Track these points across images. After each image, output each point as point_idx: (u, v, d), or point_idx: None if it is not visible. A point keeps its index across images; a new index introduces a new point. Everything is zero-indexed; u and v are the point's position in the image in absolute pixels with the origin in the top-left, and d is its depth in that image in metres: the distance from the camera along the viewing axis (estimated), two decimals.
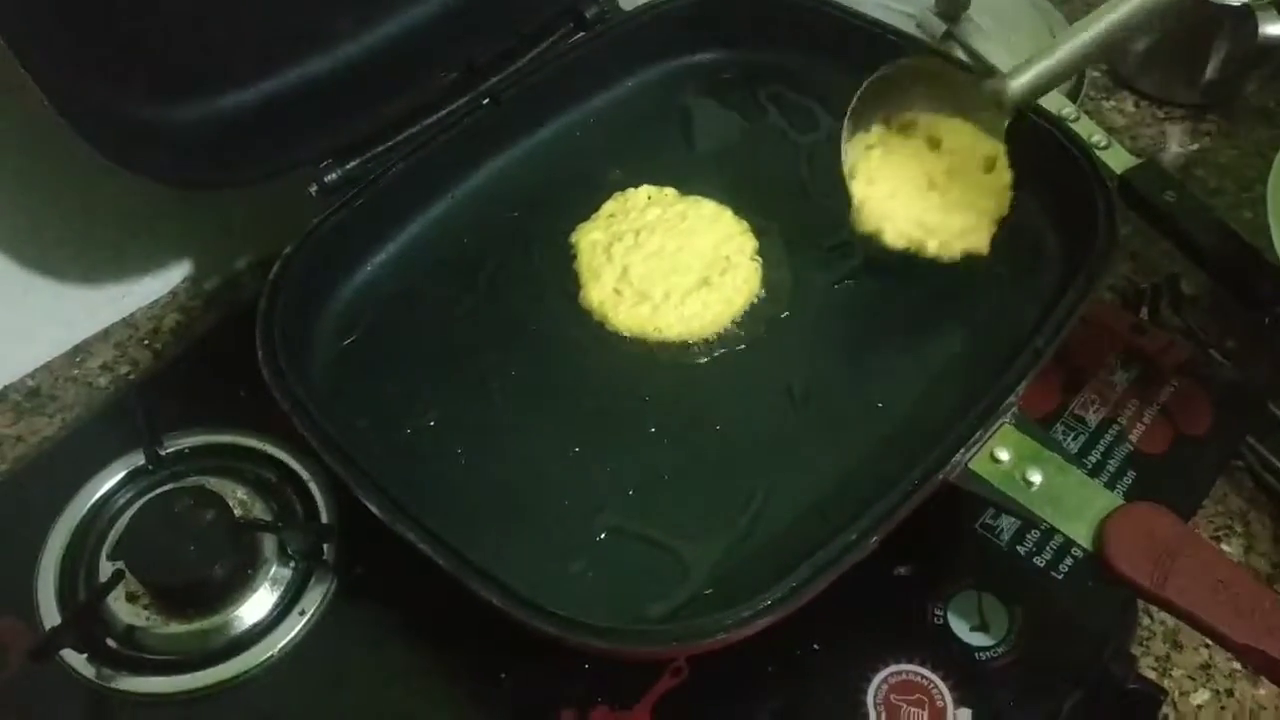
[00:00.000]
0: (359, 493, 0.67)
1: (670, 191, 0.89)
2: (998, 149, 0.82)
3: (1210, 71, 1.18)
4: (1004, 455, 0.68)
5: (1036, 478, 0.67)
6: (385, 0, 0.85)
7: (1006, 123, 0.81)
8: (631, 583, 0.69)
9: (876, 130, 0.83)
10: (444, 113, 0.87)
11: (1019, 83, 0.80)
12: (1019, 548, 0.77)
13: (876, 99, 0.81)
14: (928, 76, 0.83)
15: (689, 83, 0.98)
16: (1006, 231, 0.85)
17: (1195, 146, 1.22)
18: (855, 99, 0.80)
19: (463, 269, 0.86)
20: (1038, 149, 0.85)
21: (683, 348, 0.81)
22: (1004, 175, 0.83)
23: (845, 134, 0.80)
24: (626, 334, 0.81)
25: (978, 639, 0.73)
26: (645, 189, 0.90)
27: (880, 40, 0.92)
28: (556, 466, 0.72)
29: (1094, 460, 0.82)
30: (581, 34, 0.93)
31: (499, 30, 0.90)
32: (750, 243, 0.86)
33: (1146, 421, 0.85)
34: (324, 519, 0.79)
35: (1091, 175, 0.80)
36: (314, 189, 0.81)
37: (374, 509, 0.66)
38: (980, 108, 0.82)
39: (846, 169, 0.80)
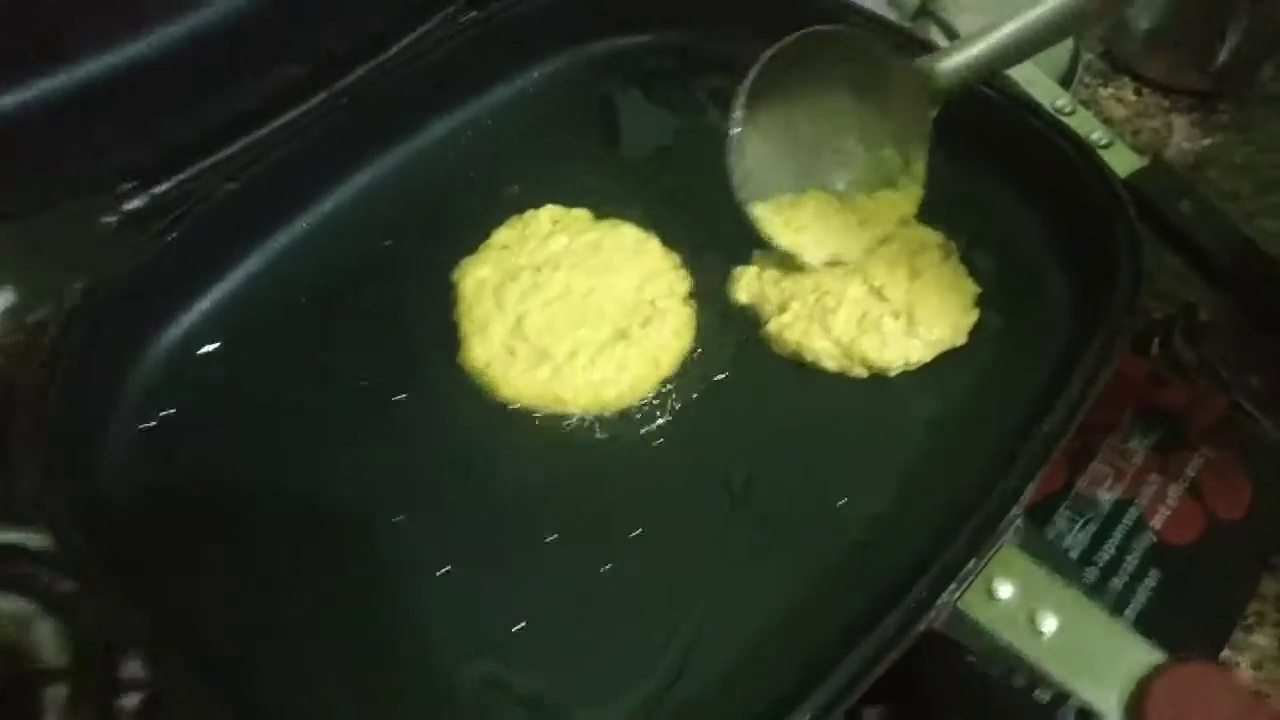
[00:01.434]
0: (141, 657, 0.49)
1: (581, 214, 0.71)
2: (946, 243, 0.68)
3: (1223, 55, 1.01)
4: (1005, 591, 0.52)
5: (1050, 623, 0.51)
6: None
7: (933, 115, 0.65)
8: None
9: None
10: (291, 115, 0.69)
11: (951, 65, 0.63)
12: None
13: (782, 82, 0.64)
14: (845, 56, 0.65)
15: (609, 74, 0.80)
16: (1001, 265, 0.68)
17: (1206, 141, 1.05)
18: (753, 73, 0.63)
19: (313, 321, 0.68)
20: (1043, 162, 0.68)
21: (592, 424, 0.63)
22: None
23: (736, 124, 0.63)
24: (520, 405, 0.64)
25: None
26: (549, 210, 0.72)
27: (844, 21, 0.73)
28: (421, 592, 0.57)
29: (1108, 556, 0.66)
30: (474, 13, 0.74)
31: (364, 9, 0.70)
32: (682, 282, 0.68)
33: (1172, 503, 0.68)
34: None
35: (1110, 201, 0.63)
36: (112, 219, 0.62)
37: (159, 678, 0.48)
38: (904, 95, 0.65)
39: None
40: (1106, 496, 0.68)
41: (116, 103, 0.62)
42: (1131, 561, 0.66)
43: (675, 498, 0.61)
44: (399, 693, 0.54)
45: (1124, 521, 0.68)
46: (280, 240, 0.70)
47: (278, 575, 0.58)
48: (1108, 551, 0.66)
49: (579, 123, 0.78)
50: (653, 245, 0.69)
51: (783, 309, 0.65)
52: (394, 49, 0.72)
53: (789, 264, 0.67)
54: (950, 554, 0.51)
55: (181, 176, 0.65)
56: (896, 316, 0.64)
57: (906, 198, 0.66)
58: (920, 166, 0.66)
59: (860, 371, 0.64)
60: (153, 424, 0.63)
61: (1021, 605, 0.51)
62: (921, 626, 0.50)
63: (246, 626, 0.55)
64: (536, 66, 0.79)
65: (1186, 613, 0.64)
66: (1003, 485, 0.53)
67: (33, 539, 0.65)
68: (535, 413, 0.64)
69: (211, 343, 0.66)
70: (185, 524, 0.60)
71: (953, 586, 0.51)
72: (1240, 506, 0.68)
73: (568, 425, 0.63)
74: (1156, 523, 0.68)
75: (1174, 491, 0.69)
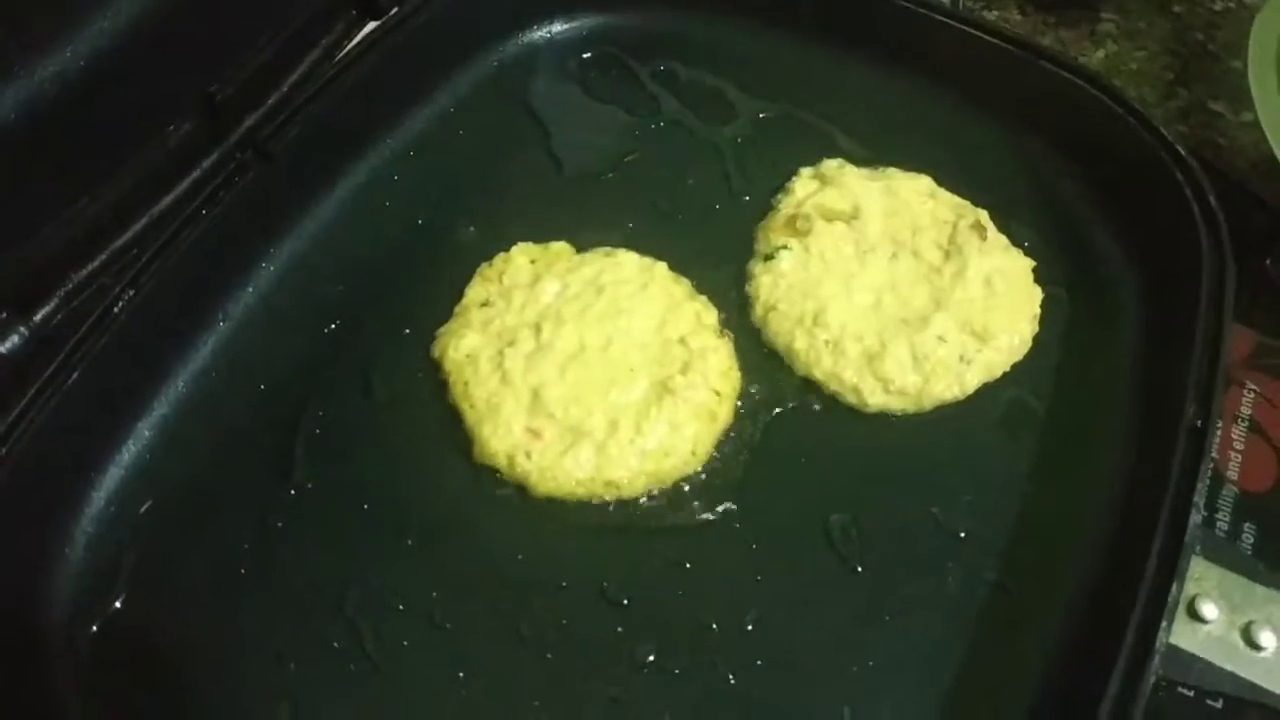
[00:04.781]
0: None
1: (561, 248, 0.60)
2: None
3: None
4: (1210, 610, 0.45)
5: (1269, 638, 0.44)
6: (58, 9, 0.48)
7: None
8: None
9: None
10: (184, 186, 0.53)
11: None
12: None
13: None
14: None
15: (538, 72, 0.68)
16: (1040, 230, 0.61)
17: (1101, 54, 1.02)
18: None
19: (267, 441, 0.54)
20: (1077, 116, 0.61)
21: (653, 503, 0.52)
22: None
23: None
24: (564, 498, 0.52)
25: None
26: (522, 250, 0.59)
27: None
28: None
29: (1199, 518, 0.60)
30: (373, 24, 0.60)
31: (242, 34, 0.56)
32: (709, 311, 0.57)
33: (1239, 445, 0.63)
34: None
35: (1167, 154, 0.57)
36: None
37: None
38: None
39: None
40: None
41: None
42: (1224, 520, 0.61)
43: (781, 569, 0.51)
44: None
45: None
46: (203, 350, 0.55)
47: None
48: (1197, 513, 0.61)
49: (518, 138, 0.65)
50: (660, 272, 0.59)
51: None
52: (286, 85, 0.57)
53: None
54: (1149, 581, 0.44)
55: (64, 291, 0.49)
56: (951, 340, 0.56)
57: None
58: None
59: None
60: (99, 625, 0.48)
61: (1232, 623, 0.45)
62: (1150, 680, 0.42)
63: None
64: (451, 79, 0.66)
65: None
66: (1175, 489, 0.46)
67: None
68: (585, 506, 0.52)
69: (147, 500, 0.51)
70: None
71: (1164, 623, 0.43)
72: None
73: (628, 513, 0.52)
74: (1233, 472, 0.63)
75: (1238, 433, 0.65)
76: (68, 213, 0.50)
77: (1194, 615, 0.45)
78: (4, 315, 0.48)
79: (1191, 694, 0.47)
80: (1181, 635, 0.45)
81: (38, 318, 0.48)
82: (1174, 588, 0.44)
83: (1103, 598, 0.46)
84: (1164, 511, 0.46)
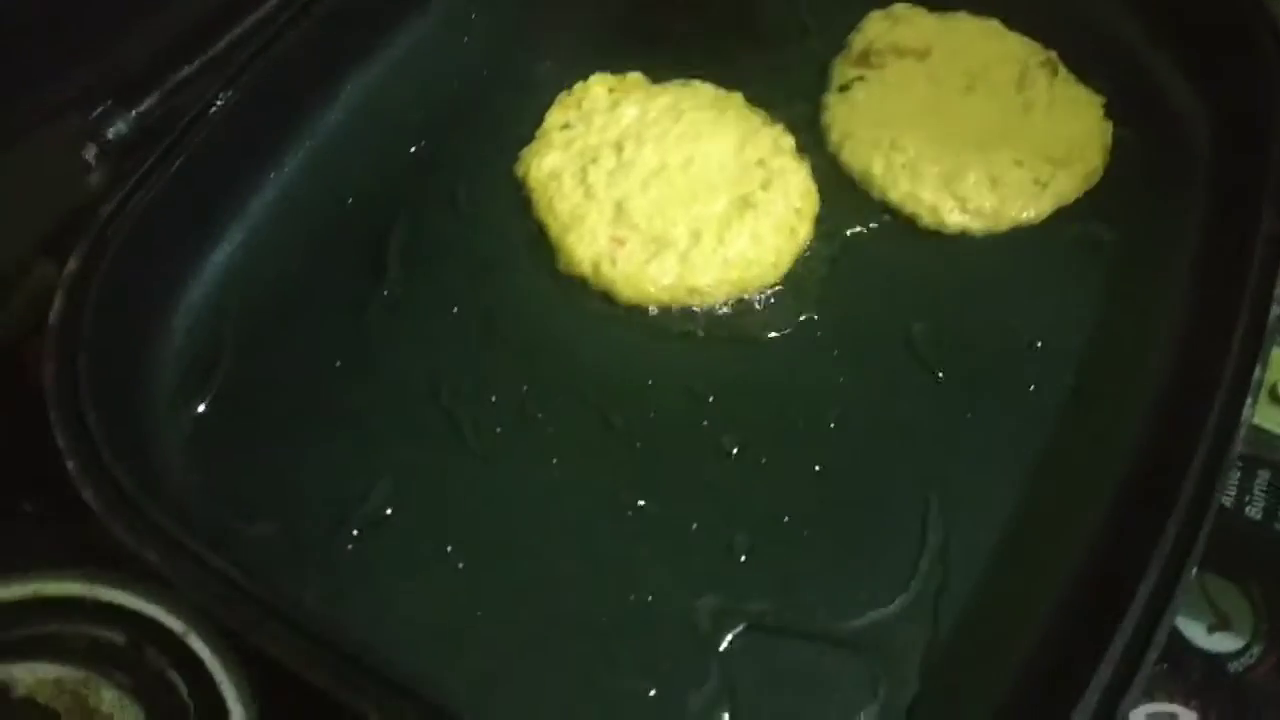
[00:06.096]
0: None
1: (636, 78, 0.61)
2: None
3: None
4: None
5: None
6: None
7: None
8: None
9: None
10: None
11: None
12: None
13: None
14: None
15: None
16: (1110, 70, 0.62)
17: None
18: None
19: (357, 247, 0.55)
20: None
21: (741, 311, 0.53)
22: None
23: None
24: (650, 306, 0.53)
25: (1220, 643, 0.52)
26: (600, 79, 0.60)
27: None
28: (624, 534, 0.46)
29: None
30: None
31: None
32: (786, 137, 0.58)
33: None
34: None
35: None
36: (91, 153, 0.47)
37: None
38: None
39: None
40: None
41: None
42: None
43: (863, 372, 0.52)
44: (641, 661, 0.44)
45: None
46: (295, 159, 0.57)
47: (415, 554, 0.47)
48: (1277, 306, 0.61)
49: None
50: (736, 101, 0.59)
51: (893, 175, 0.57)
52: None
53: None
54: (1233, 365, 0.45)
55: (166, 88, 0.50)
56: (1025, 164, 0.57)
57: None
58: None
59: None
60: (205, 406, 0.49)
61: None
62: (1235, 452, 0.43)
63: (389, 618, 0.44)
64: None
65: None
66: (1255, 280, 0.47)
67: (81, 588, 0.49)
68: (668, 311, 0.53)
69: (242, 294, 0.53)
70: (283, 520, 0.47)
71: (1249, 400, 0.44)
72: None
73: (714, 320, 0.53)
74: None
75: None
76: (168, 13, 0.51)
77: (1276, 399, 0.46)
78: (109, 103, 0.49)
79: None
80: (1265, 416, 0.46)
81: (141, 108, 0.49)
82: (1257, 369, 0.45)
83: (1187, 383, 0.47)
84: (1244, 302, 0.47)
